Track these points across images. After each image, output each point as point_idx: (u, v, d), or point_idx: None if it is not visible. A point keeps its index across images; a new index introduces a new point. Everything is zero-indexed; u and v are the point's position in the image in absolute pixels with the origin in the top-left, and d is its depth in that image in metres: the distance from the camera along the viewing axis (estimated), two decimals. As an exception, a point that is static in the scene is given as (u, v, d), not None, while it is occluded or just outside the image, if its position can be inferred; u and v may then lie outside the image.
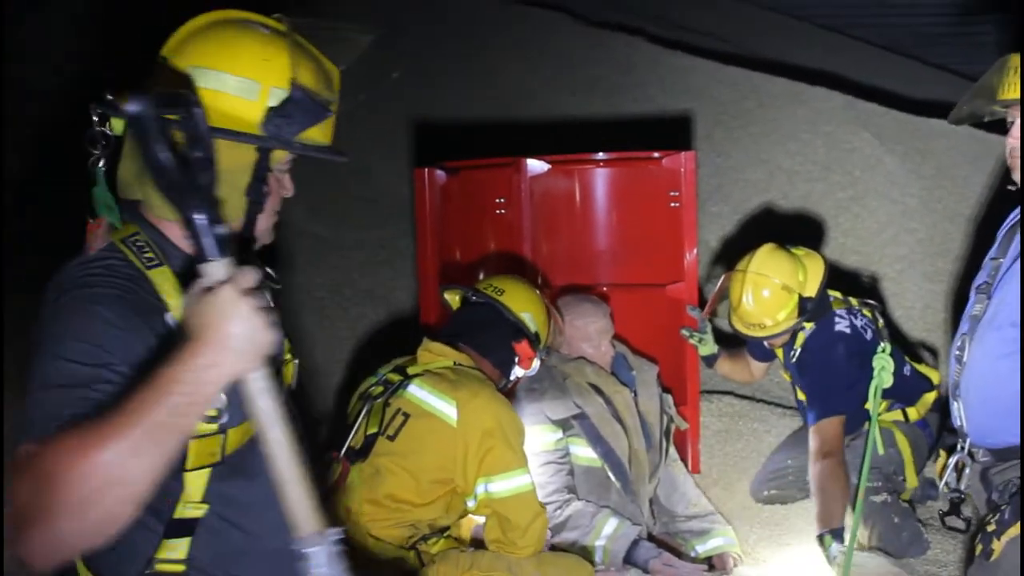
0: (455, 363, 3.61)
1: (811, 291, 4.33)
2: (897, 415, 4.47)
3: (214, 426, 1.86)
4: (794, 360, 4.45)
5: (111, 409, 1.55)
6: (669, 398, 4.55)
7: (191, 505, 1.89)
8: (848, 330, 4.39)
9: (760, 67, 7.19)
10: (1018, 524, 2.65)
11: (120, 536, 1.60)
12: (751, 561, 4.38)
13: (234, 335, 1.60)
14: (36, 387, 1.71)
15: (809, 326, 4.40)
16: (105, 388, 1.69)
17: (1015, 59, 2.79)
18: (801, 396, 4.51)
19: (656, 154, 4.90)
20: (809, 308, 4.32)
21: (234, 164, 1.94)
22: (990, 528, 2.74)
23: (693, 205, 4.87)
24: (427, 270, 5.12)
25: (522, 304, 3.81)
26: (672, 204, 4.83)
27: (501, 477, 3.38)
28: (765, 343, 4.56)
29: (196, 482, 1.88)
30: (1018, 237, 2.91)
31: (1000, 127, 2.91)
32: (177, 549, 1.90)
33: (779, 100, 6.88)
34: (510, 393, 3.95)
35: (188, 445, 1.81)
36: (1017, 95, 2.76)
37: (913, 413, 4.47)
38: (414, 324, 5.34)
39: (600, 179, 4.92)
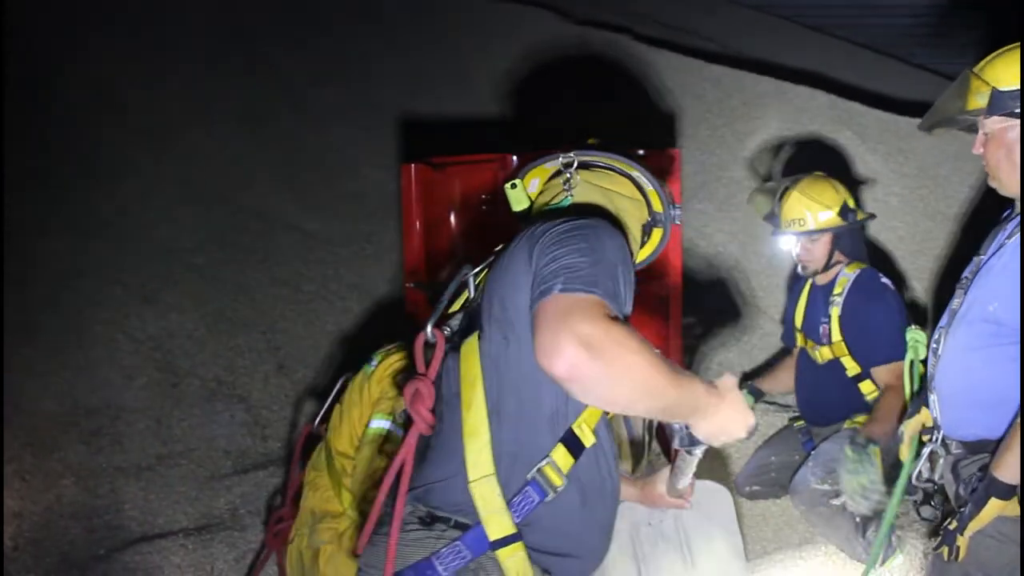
0: None
1: (853, 203, 4.53)
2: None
3: None
4: (838, 301, 4.49)
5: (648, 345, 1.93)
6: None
7: (586, 427, 2.17)
8: (892, 286, 4.49)
9: (745, 66, 7.22)
10: (979, 519, 2.71)
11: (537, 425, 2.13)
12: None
13: (732, 419, 2.08)
14: (599, 260, 2.04)
15: (852, 269, 4.50)
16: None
17: (969, 74, 2.88)
18: (825, 354, 4.59)
19: (641, 151, 4.94)
20: (850, 220, 4.46)
21: None
22: (952, 526, 2.78)
23: (678, 202, 4.91)
24: (413, 265, 5.16)
25: None
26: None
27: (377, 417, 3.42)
28: (798, 249, 4.58)
29: (595, 412, 2.18)
30: (999, 234, 2.97)
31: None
32: (565, 461, 2.15)
33: (764, 99, 6.92)
34: None
35: None
36: (980, 105, 2.85)
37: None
38: (400, 318, 5.38)
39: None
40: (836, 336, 4.52)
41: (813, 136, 6.58)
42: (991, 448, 2.77)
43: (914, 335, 3.83)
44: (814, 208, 4.47)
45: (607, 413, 2.24)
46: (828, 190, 4.50)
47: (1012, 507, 2.69)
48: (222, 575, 4.20)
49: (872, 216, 4.73)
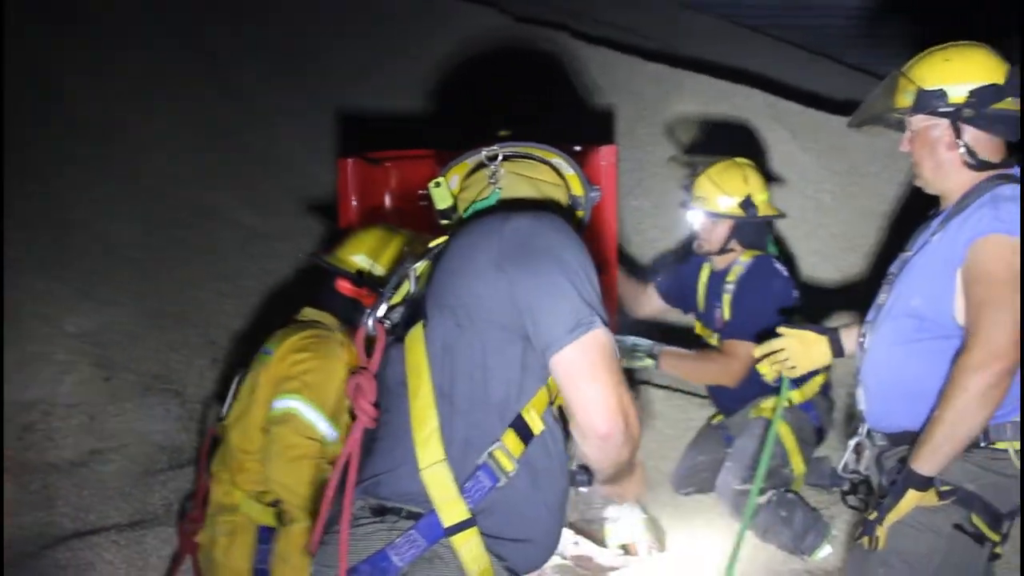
0: (312, 320, 3.68)
1: (760, 201, 4.65)
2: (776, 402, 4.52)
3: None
4: (730, 288, 4.60)
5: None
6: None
7: (534, 413, 2.23)
8: (786, 274, 4.62)
9: (682, 64, 7.29)
10: (898, 509, 2.78)
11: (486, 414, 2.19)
12: (668, 549, 4.50)
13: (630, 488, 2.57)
14: (579, 277, 2.21)
15: (746, 257, 4.61)
16: None
17: (900, 75, 2.96)
18: (709, 338, 4.77)
19: (577, 148, 4.97)
20: (749, 213, 4.58)
21: None
22: (872, 516, 2.84)
23: (613, 199, 4.94)
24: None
25: (352, 247, 3.78)
26: (593, 198, 4.91)
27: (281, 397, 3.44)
28: (699, 237, 4.73)
29: (543, 399, 2.25)
30: (924, 231, 3.05)
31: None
32: (516, 447, 2.20)
33: (700, 97, 6.99)
34: None
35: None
36: (907, 103, 2.93)
37: (797, 396, 4.55)
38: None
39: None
40: (703, 331, 4.69)
41: (749, 134, 6.66)
42: (913, 440, 2.83)
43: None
44: (718, 193, 4.62)
45: (553, 401, 2.29)
46: (736, 179, 4.65)
47: (929, 498, 2.76)
48: (156, 571, 4.17)
49: (779, 215, 4.81)
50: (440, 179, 2.59)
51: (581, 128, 6.80)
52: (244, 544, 3.46)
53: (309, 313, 3.73)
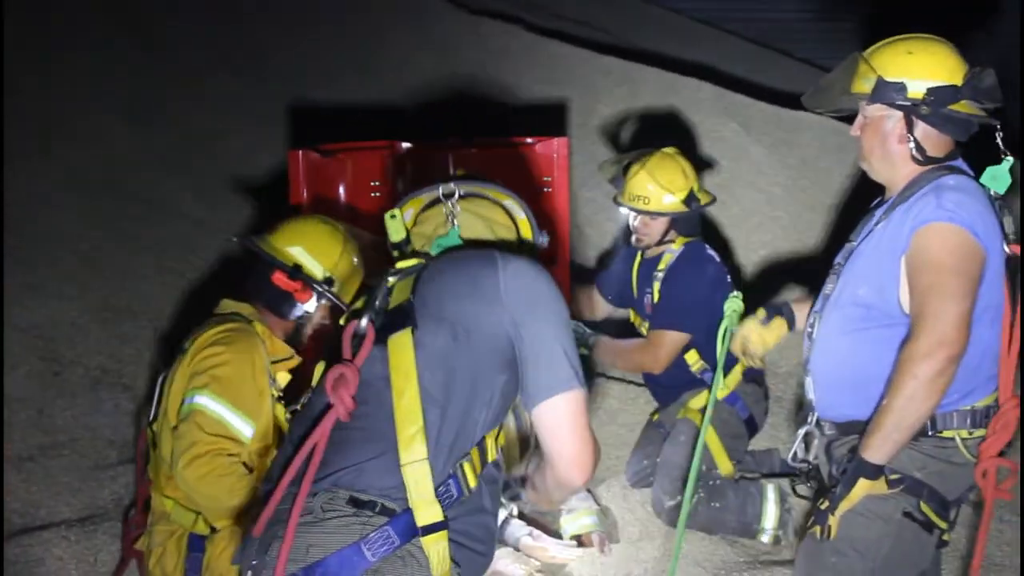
0: (232, 312, 3.59)
1: (699, 191, 4.57)
2: (703, 399, 4.51)
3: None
4: (660, 276, 4.56)
5: None
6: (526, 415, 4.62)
7: (492, 442, 2.33)
8: (717, 259, 4.59)
9: (635, 58, 7.33)
10: (849, 498, 2.81)
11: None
12: (620, 539, 4.52)
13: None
14: (569, 336, 2.36)
15: (678, 245, 4.57)
16: None
17: (857, 57, 2.97)
18: (637, 321, 4.77)
19: (529, 140, 4.99)
20: (692, 207, 4.51)
21: None
22: (824, 505, 2.86)
23: (565, 190, 4.97)
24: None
25: (290, 238, 3.67)
26: (545, 189, 4.93)
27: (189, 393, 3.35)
28: (636, 232, 4.62)
29: (499, 436, 2.38)
30: (868, 221, 3.08)
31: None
32: (477, 464, 2.29)
33: (653, 90, 7.02)
34: None
35: None
36: (864, 90, 2.94)
37: (720, 392, 4.46)
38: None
39: (474, 163, 4.97)
40: (636, 320, 4.67)
41: (700, 126, 6.71)
42: (862, 428, 2.86)
43: (732, 304, 3.91)
44: (662, 193, 4.50)
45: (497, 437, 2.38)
46: (677, 175, 4.52)
47: (879, 486, 2.78)
48: (105, 566, 4.13)
49: (714, 200, 4.73)
50: (396, 211, 2.58)
51: (535, 120, 6.81)
52: (175, 553, 3.41)
53: (228, 305, 3.64)
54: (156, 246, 6.26)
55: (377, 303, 2.37)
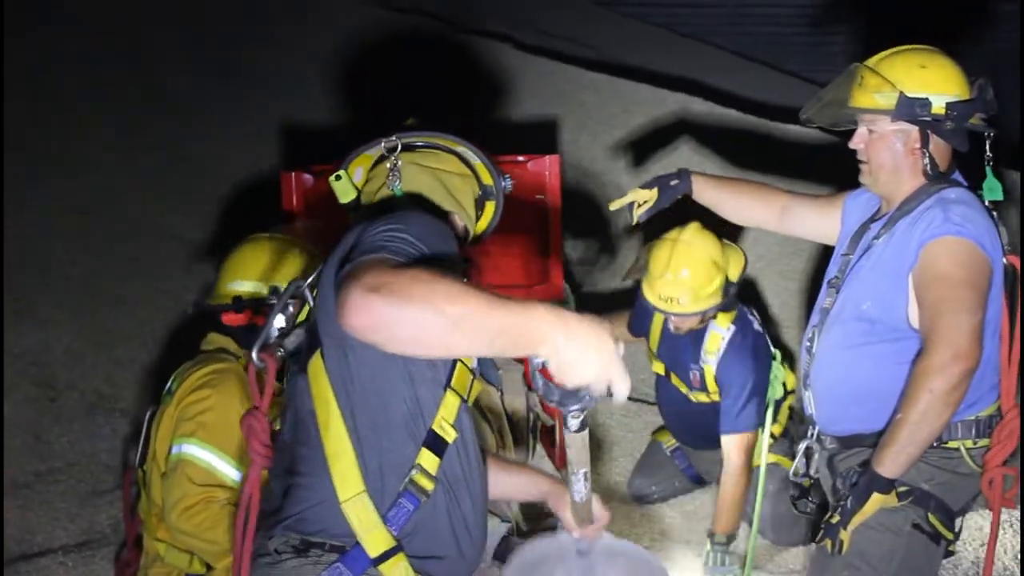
0: (218, 348, 3.54)
1: (734, 275, 4.16)
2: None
3: (472, 363, 2.22)
4: (712, 361, 4.23)
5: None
6: (535, 396, 4.62)
7: (445, 424, 2.13)
8: (761, 328, 4.31)
9: (623, 73, 7.35)
10: (862, 512, 2.80)
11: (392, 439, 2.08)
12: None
13: (589, 344, 1.74)
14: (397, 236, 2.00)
15: (724, 323, 4.24)
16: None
17: (862, 69, 2.96)
18: (700, 397, 4.39)
19: (521, 157, 4.99)
20: (730, 293, 4.14)
21: None
22: (834, 520, 2.83)
23: (558, 208, 4.97)
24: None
25: (225, 277, 3.60)
26: (538, 207, 4.93)
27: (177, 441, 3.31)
28: (671, 322, 4.25)
29: (452, 405, 2.14)
30: (866, 235, 3.07)
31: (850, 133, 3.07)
32: (432, 464, 2.11)
33: (641, 106, 7.04)
34: None
35: (456, 366, 2.18)
36: (865, 104, 2.93)
37: (777, 429, 4.34)
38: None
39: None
40: (712, 387, 4.30)
41: (689, 141, 6.72)
42: (865, 442, 2.87)
43: (775, 371, 3.85)
44: (696, 287, 4.05)
45: (465, 401, 2.21)
46: (712, 274, 4.06)
47: (891, 499, 2.78)
48: (104, 592, 4.12)
49: (746, 264, 4.34)
50: (341, 172, 2.47)
51: (525, 138, 6.81)
52: None
53: (215, 339, 3.57)
54: (149, 269, 6.26)
55: (277, 320, 2.19)
